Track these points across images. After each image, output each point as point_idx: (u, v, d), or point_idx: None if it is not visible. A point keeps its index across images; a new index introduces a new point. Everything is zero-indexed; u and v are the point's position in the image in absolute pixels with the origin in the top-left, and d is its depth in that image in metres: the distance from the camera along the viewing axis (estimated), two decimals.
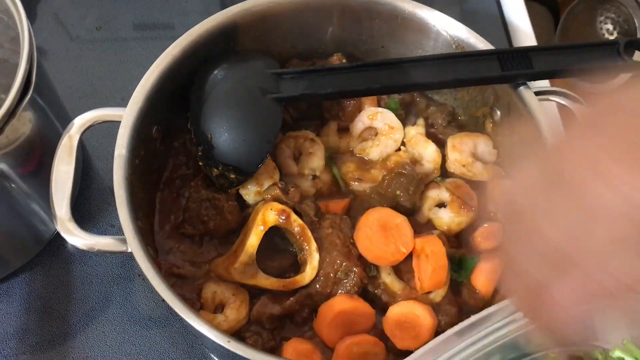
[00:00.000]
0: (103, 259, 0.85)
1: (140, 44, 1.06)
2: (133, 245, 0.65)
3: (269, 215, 0.72)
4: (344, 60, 0.86)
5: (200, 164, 0.77)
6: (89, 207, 0.88)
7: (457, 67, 0.75)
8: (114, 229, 0.86)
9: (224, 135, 0.74)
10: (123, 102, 0.74)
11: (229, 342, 0.61)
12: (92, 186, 0.90)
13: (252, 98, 0.76)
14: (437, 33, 0.81)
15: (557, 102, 0.79)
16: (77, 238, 0.67)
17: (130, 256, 0.84)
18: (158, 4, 1.10)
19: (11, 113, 0.64)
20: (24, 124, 0.69)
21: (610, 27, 1.53)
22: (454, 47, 0.80)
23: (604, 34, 1.53)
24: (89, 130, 0.73)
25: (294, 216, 0.74)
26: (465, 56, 0.77)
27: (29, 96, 0.66)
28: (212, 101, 0.76)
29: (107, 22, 1.08)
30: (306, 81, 0.76)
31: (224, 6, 0.81)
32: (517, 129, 0.78)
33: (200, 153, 0.76)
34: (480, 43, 0.78)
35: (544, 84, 0.96)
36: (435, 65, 0.75)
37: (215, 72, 0.77)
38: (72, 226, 0.68)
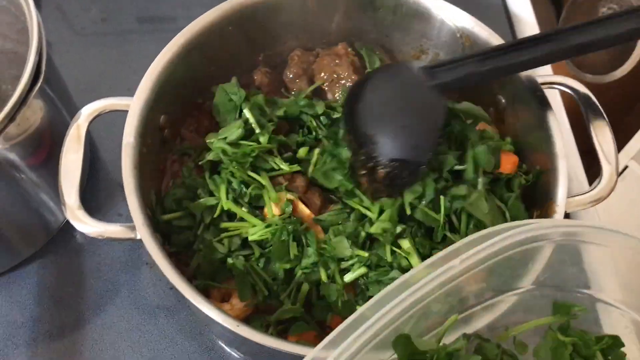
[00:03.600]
0: (111, 248, 0.85)
1: (143, 37, 1.07)
2: (142, 231, 0.66)
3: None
4: (349, 49, 0.86)
5: (362, 172, 0.73)
6: (97, 197, 0.89)
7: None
8: (122, 218, 0.87)
9: (388, 127, 0.72)
10: (128, 93, 0.74)
11: (238, 326, 0.61)
12: (99, 177, 0.90)
13: (412, 90, 0.74)
14: (441, 22, 0.81)
15: (561, 90, 0.79)
16: (86, 226, 0.68)
17: (137, 245, 0.86)
18: None
19: (22, 101, 0.64)
20: (35, 112, 0.70)
21: None
22: (458, 35, 0.81)
23: None
24: (96, 121, 0.74)
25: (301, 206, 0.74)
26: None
27: (39, 85, 0.67)
28: (372, 102, 0.74)
29: (110, 15, 1.09)
30: (461, 68, 0.73)
31: None
32: (521, 116, 0.79)
33: (363, 157, 0.73)
34: (484, 32, 0.79)
35: (547, 71, 0.97)
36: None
37: (372, 79, 0.77)
38: (81, 214, 0.68)
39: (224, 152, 0.74)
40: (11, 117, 0.64)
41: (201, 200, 0.75)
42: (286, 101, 0.81)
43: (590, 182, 0.96)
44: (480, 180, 0.73)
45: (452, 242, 0.72)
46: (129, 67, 1.01)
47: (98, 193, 0.89)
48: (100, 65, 1.02)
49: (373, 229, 0.71)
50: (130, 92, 0.74)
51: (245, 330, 0.61)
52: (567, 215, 0.72)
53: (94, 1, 1.09)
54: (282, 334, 0.71)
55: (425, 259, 0.70)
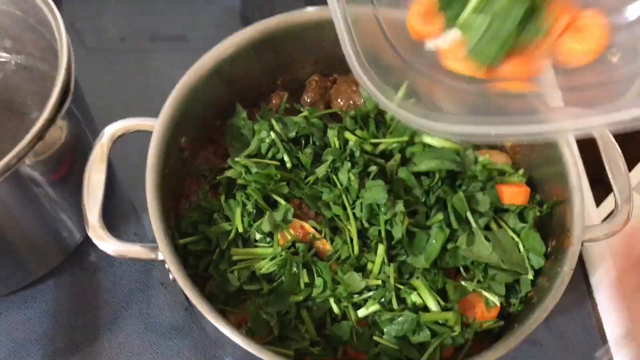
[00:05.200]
0: (125, 268, 0.86)
1: (157, 57, 1.07)
2: (166, 253, 0.66)
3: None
4: None
5: None
6: (113, 216, 0.89)
7: None
8: (137, 238, 0.88)
9: None
10: (146, 112, 0.75)
11: (261, 350, 0.61)
12: (115, 196, 0.91)
13: None
14: None
15: None
16: (109, 244, 0.68)
17: (151, 265, 0.86)
18: (172, 17, 1.12)
19: (52, 119, 0.65)
20: (62, 130, 0.70)
21: None
22: None
23: None
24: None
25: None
26: None
27: (67, 103, 0.67)
28: None
29: (125, 35, 1.09)
30: None
31: (244, 20, 0.82)
32: (536, 147, 0.80)
33: None
34: None
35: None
36: None
37: None
38: (103, 233, 0.68)
39: (246, 169, 0.75)
40: (40, 136, 0.64)
41: (217, 225, 0.75)
42: (296, 119, 0.82)
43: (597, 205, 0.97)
44: (475, 224, 0.74)
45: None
46: (144, 87, 1.02)
47: (114, 212, 0.89)
48: (115, 85, 1.02)
49: (372, 282, 0.72)
50: (147, 111, 0.75)
51: (267, 354, 0.61)
52: None
53: (110, 21, 1.10)
54: (299, 357, 0.71)
55: (439, 293, 0.72)
